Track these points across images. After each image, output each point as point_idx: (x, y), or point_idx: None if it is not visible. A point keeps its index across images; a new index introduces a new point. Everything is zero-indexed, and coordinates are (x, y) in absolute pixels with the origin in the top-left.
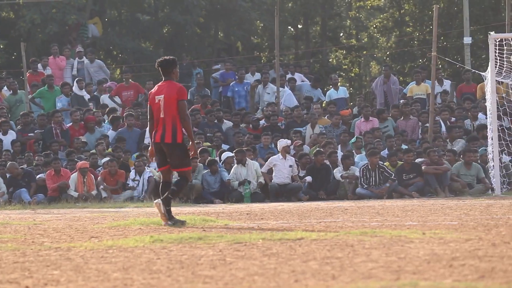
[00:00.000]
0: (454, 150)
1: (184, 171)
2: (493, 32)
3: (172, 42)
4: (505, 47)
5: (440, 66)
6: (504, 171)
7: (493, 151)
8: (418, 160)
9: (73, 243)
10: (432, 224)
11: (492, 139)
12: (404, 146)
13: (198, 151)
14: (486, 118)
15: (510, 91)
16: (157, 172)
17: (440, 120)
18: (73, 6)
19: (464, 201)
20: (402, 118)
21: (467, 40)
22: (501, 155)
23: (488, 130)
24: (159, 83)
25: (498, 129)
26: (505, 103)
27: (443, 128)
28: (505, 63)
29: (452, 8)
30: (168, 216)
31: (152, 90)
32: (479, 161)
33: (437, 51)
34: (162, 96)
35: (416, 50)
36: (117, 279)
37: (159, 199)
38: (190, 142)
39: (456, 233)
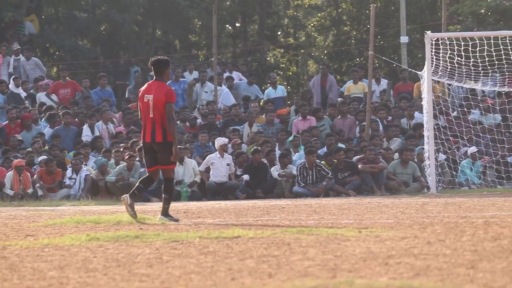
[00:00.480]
0: (390, 148)
1: (169, 169)
2: (430, 31)
3: (109, 40)
4: (441, 46)
5: (377, 65)
6: (439, 170)
7: (429, 150)
8: (355, 158)
9: (8, 242)
10: (368, 222)
11: (428, 138)
12: (341, 145)
13: (137, 150)
14: (423, 117)
15: (446, 90)
16: (94, 170)
17: (378, 119)
18: (9, 3)
19: (400, 200)
20: (339, 117)
21: (404, 39)
22: (437, 154)
23: (424, 129)
24: (150, 82)
25: (434, 128)
26: (441, 102)
27: (381, 127)
28: (441, 62)
29: (389, 7)
30: (131, 209)
31: (142, 88)
32: (415, 159)
33: (374, 50)
34: (152, 96)
35: (354, 49)
36: (52, 278)
37: (127, 195)
38: (173, 146)
39: (392, 231)
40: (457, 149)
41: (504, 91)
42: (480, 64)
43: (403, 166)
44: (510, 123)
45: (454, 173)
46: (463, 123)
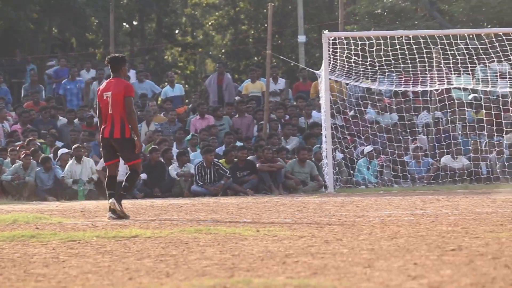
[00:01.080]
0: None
1: (135, 164)
2: (327, 30)
3: (5, 37)
4: (338, 46)
5: (275, 64)
6: (337, 169)
7: (326, 149)
8: (252, 157)
9: None
10: (266, 221)
11: (325, 137)
12: (239, 143)
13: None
14: (320, 116)
15: (344, 90)
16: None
17: (276, 118)
18: None
19: (298, 199)
20: (237, 116)
21: (302, 38)
22: (334, 153)
23: (322, 128)
24: (108, 80)
25: (331, 127)
26: (338, 101)
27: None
28: (338, 61)
29: (287, 7)
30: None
31: (100, 87)
32: (313, 158)
33: (272, 49)
34: (110, 93)
35: (251, 48)
36: None
37: (113, 199)
38: (135, 137)
39: (290, 230)
40: (354, 148)
41: (400, 90)
42: (376, 64)
43: (301, 165)
44: (406, 123)
45: (351, 172)
46: (360, 122)
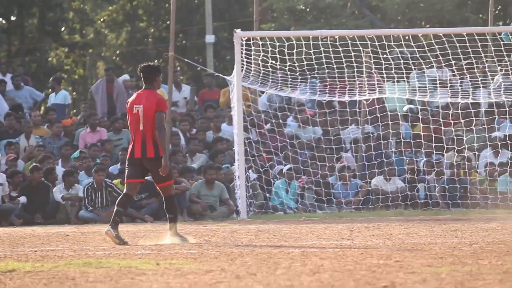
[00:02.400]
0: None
1: (167, 185)
2: (239, 29)
3: None
4: (253, 47)
5: (178, 68)
6: (251, 191)
7: (239, 168)
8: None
9: None
10: (167, 253)
11: (237, 154)
12: None
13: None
14: (232, 129)
15: (259, 99)
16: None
17: (179, 131)
18: None
19: (205, 226)
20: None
21: (210, 38)
22: (247, 173)
23: (234, 143)
24: (138, 91)
25: (244, 142)
26: (253, 112)
27: (182, 141)
28: (253, 65)
29: (193, 1)
30: (119, 240)
31: (130, 99)
32: (222, 179)
33: (176, 50)
34: (141, 106)
35: (151, 49)
36: None
37: (109, 227)
38: (163, 157)
39: (195, 263)
40: (270, 167)
41: (325, 100)
42: (297, 69)
43: (208, 187)
44: (332, 138)
45: (267, 195)
46: (278, 137)
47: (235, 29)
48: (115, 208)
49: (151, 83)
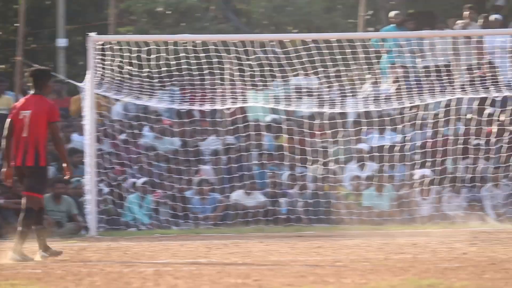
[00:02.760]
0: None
1: (33, 196)
2: (94, 33)
3: None
4: (108, 52)
5: (27, 73)
6: (101, 207)
7: (90, 182)
8: None
9: None
10: (7, 272)
11: (89, 166)
12: None
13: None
14: (83, 140)
15: (113, 107)
16: None
17: None
18: None
19: (51, 244)
20: None
21: (62, 42)
22: (99, 186)
23: (85, 155)
24: (27, 96)
25: (96, 154)
26: (106, 122)
27: None
28: (107, 72)
29: (44, 2)
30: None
31: (17, 103)
32: (72, 193)
33: (24, 55)
34: (29, 112)
35: None
36: None
37: (12, 254)
38: (65, 164)
39: (40, 283)
40: (124, 180)
41: (184, 109)
42: (155, 76)
43: (56, 202)
44: (190, 149)
45: (120, 210)
46: (132, 148)
47: (89, 33)
48: (18, 228)
49: (40, 89)
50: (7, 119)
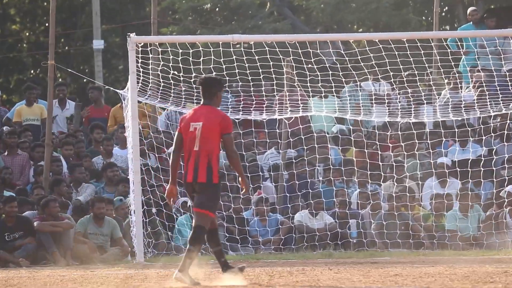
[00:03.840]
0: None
1: (203, 213)
2: (134, 33)
3: None
4: (151, 55)
5: (60, 80)
6: (149, 229)
7: (135, 201)
8: (29, 213)
9: None
10: None
11: (133, 184)
12: (8, 193)
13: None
14: (126, 154)
15: (158, 117)
16: None
17: (61, 157)
18: None
19: (94, 272)
20: (6, 153)
21: (98, 44)
22: (146, 207)
23: (129, 171)
24: (196, 107)
25: (141, 170)
26: (151, 133)
27: (65, 168)
28: (151, 77)
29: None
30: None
31: (185, 115)
32: (114, 214)
33: (56, 58)
34: (200, 123)
35: (26, 57)
36: None
37: (178, 273)
38: (241, 179)
39: None
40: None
41: (238, 119)
42: None
43: (98, 224)
44: (247, 164)
45: (169, 233)
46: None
47: (128, 33)
48: (188, 247)
49: (210, 98)
50: (176, 133)
